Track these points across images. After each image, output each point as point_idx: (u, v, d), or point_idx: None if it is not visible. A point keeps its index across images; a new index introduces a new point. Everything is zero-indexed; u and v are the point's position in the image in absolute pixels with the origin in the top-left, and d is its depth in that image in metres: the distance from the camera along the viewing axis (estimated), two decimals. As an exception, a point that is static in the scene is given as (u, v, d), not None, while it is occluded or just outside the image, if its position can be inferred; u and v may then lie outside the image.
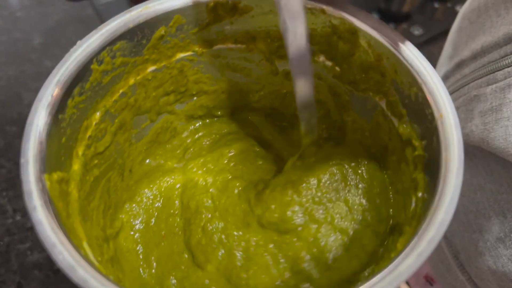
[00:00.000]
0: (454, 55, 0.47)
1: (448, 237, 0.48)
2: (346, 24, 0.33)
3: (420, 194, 0.29)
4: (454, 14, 0.51)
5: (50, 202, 0.25)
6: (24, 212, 0.54)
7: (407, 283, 0.90)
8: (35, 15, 0.76)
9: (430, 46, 0.80)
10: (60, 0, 0.77)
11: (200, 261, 0.37)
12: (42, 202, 0.25)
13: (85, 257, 0.24)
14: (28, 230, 0.52)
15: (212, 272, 0.36)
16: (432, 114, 0.29)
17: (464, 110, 0.42)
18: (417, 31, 0.81)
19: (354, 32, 0.33)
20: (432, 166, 0.28)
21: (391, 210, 0.36)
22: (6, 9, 0.77)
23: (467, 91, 0.42)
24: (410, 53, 0.31)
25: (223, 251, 0.37)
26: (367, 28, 0.33)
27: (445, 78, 0.49)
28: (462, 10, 0.49)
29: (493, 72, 0.38)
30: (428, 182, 0.29)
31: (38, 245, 0.48)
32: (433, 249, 0.24)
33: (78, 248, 0.24)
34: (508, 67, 0.36)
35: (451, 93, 0.46)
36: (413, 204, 0.30)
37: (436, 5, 0.86)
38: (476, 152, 0.41)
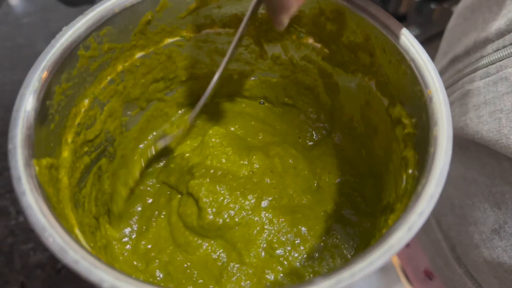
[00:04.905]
0: (448, 51, 0.48)
1: (444, 231, 0.48)
2: (333, 4, 0.33)
3: (410, 171, 0.29)
4: (450, 15, 0.51)
5: (39, 187, 0.25)
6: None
7: (407, 278, 0.89)
8: (39, 21, 0.76)
9: (427, 47, 0.80)
10: (62, 6, 0.78)
11: (180, 243, 0.37)
12: (31, 187, 0.25)
13: (77, 240, 0.24)
14: (31, 231, 0.51)
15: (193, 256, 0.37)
16: (421, 91, 0.29)
17: (458, 105, 0.42)
18: (413, 32, 0.81)
19: (341, 12, 0.33)
20: (421, 143, 0.29)
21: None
22: (11, 15, 0.77)
23: (461, 86, 0.43)
24: (398, 31, 0.31)
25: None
26: (354, 8, 0.33)
27: (440, 74, 0.50)
28: (457, 8, 0.49)
29: (486, 66, 0.39)
30: (418, 159, 0.29)
31: (40, 245, 0.48)
32: (423, 222, 0.24)
33: (69, 231, 0.24)
34: (500, 61, 0.37)
35: (445, 88, 0.46)
36: (404, 182, 0.30)
37: (433, 6, 0.85)
38: (470, 146, 0.41)
